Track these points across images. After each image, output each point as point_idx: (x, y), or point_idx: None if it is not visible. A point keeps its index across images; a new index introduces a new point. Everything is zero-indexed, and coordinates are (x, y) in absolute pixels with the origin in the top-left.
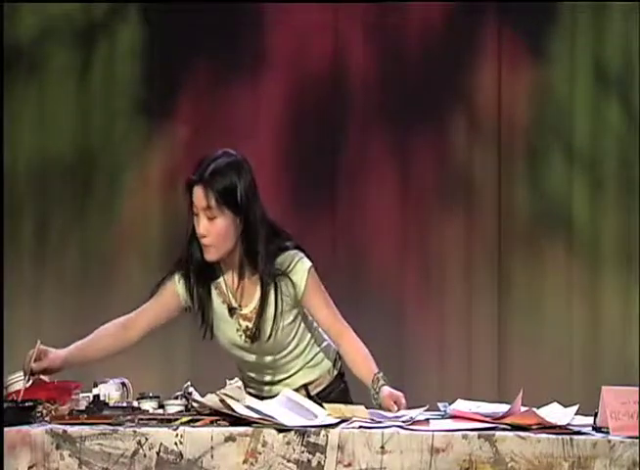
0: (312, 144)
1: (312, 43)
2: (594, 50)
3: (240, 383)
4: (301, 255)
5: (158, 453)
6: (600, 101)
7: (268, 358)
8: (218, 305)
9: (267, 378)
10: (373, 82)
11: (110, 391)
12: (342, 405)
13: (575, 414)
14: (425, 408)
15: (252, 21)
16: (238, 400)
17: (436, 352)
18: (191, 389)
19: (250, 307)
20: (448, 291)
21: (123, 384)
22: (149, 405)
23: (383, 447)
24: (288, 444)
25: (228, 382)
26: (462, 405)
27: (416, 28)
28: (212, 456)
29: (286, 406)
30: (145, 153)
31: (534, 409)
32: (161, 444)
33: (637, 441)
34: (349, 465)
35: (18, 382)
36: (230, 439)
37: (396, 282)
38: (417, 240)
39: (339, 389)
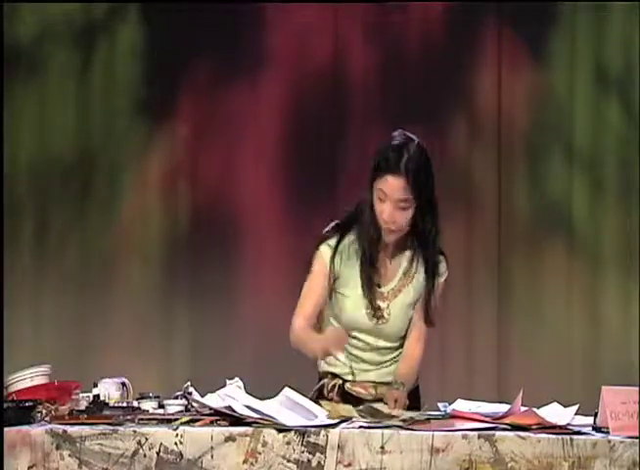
0: (312, 144)
1: (312, 43)
2: (594, 50)
3: (240, 383)
4: (445, 261)
5: (158, 453)
6: (600, 101)
7: (379, 343)
8: (361, 279)
9: (364, 365)
10: (373, 82)
11: (110, 391)
12: (333, 403)
13: (575, 414)
14: (424, 408)
15: (253, 21)
16: (238, 400)
17: (436, 353)
18: (191, 389)
19: (388, 287)
20: (448, 291)
21: (123, 384)
22: (149, 405)
23: (383, 448)
24: (288, 444)
25: (228, 382)
26: (462, 405)
27: (416, 29)
28: (212, 456)
29: (286, 406)
30: (145, 153)
31: (534, 409)
32: (161, 444)
33: (637, 441)
34: (349, 465)
35: (18, 382)
36: (230, 439)
37: None
38: None
39: (413, 393)
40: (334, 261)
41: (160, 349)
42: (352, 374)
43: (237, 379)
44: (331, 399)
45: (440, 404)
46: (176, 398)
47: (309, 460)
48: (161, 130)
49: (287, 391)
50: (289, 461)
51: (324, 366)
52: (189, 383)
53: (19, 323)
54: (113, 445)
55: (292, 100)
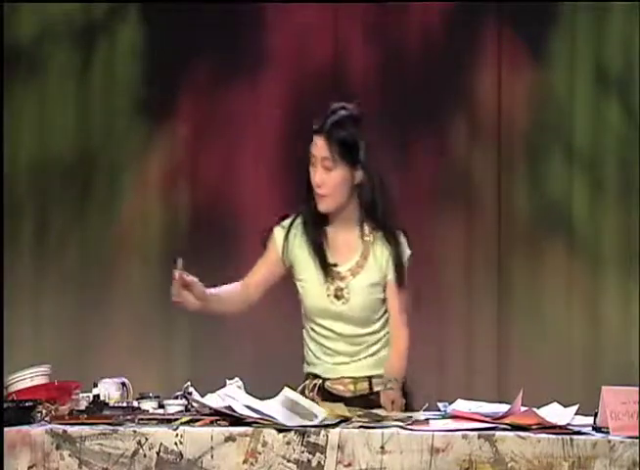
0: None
1: (312, 43)
2: (594, 50)
3: (240, 383)
4: (407, 240)
5: (158, 453)
6: (600, 101)
7: (350, 330)
8: (313, 260)
9: (335, 359)
10: (373, 82)
11: (110, 391)
12: (326, 402)
13: (575, 414)
14: (424, 408)
15: (253, 21)
16: (238, 400)
17: (436, 353)
18: (191, 389)
19: (346, 266)
20: (448, 291)
21: (123, 384)
22: (149, 405)
23: (383, 448)
24: (288, 444)
25: (228, 382)
26: (462, 405)
27: (416, 29)
28: (212, 456)
29: (285, 406)
30: (145, 153)
31: (534, 409)
32: (161, 444)
33: (637, 441)
34: (349, 465)
35: (18, 382)
36: (230, 439)
37: None
38: (417, 240)
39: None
40: (287, 244)
41: (160, 349)
42: (330, 371)
43: (237, 379)
44: (312, 400)
45: (440, 404)
46: (176, 398)
47: (309, 460)
48: (161, 130)
49: (287, 391)
50: (289, 461)
51: (306, 368)
52: (189, 383)
53: (19, 323)
54: (113, 445)
55: (292, 100)
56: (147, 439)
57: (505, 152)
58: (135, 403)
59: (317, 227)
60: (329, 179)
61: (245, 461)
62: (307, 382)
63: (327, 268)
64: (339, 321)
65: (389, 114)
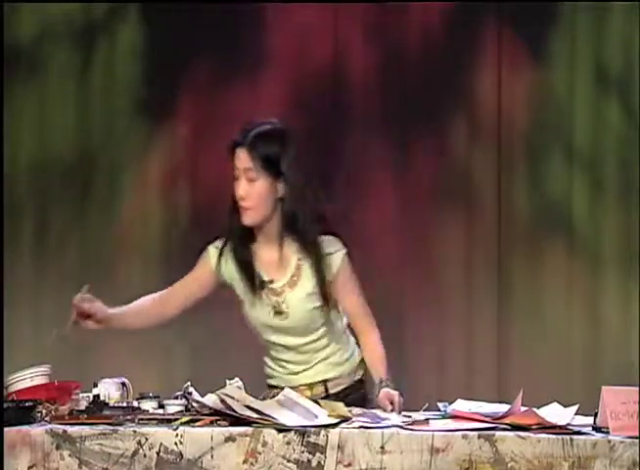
0: (312, 144)
1: (312, 43)
2: (594, 50)
3: (240, 383)
4: (338, 240)
5: (158, 453)
6: (600, 101)
7: (294, 340)
8: (249, 279)
9: (291, 367)
10: (373, 82)
11: (110, 391)
12: (326, 401)
13: (575, 414)
14: (424, 408)
15: (253, 21)
16: (238, 400)
17: (436, 353)
18: (191, 389)
19: (280, 282)
20: (448, 291)
21: (123, 384)
22: (149, 405)
23: (383, 448)
24: (288, 444)
25: (228, 382)
26: (462, 405)
27: (416, 29)
28: (212, 456)
29: (285, 406)
30: (145, 153)
31: (534, 409)
32: (161, 444)
33: (637, 441)
34: (349, 465)
35: (18, 382)
36: (230, 439)
37: (396, 282)
38: (417, 240)
39: (358, 394)
40: (220, 264)
41: (160, 349)
42: (286, 381)
43: (237, 379)
44: None
45: (440, 404)
46: (176, 398)
47: (309, 460)
48: (161, 130)
49: (287, 391)
50: (289, 461)
51: (267, 380)
52: (189, 383)
53: (19, 323)
54: (113, 445)
55: (292, 100)
56: (147, 439)
57: (505, 152)
58: (135, 403)
59: (244, 246)
60: (253, 191)
61: (245, 461)
62: (266, 392)
63: (263, 286)
64: (283, 334)
65: (390, 114)
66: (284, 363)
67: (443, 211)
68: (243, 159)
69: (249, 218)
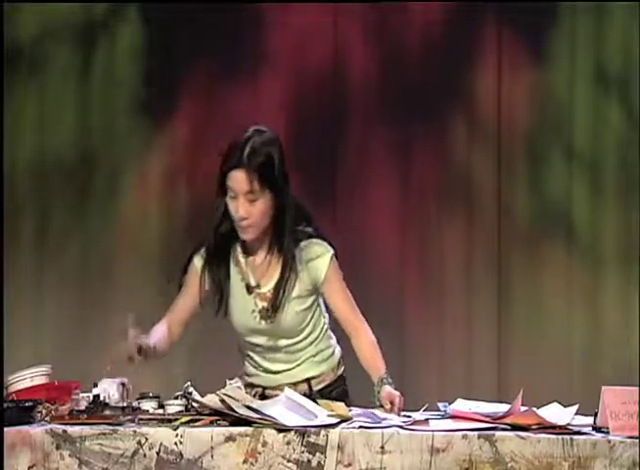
0: (312, 144)
1: (312, 43)
2: (594, 50)
3: (240, 383)
4: (325, 242)
5: (158, 453)
6: (600, 101)
7: (279, 342)
8: (236, 282)
9: (274, 367)
10: (373, 82)
11: (109, 391)
12: (329, 401)
13: (575, 414)
14: (424, 408)
15: (253, 21)
16: (238, 400)
17: (437, 353)
18: (191, 389)
19: (268, 286)
20: (448, 291)
21: (123, 384)
22: (149, 405)
23: (383, 448)
24: (288, 444)
25: (228, 382)
26: (462, 405)
27: (416, 29)
28: (212, 456)
29: (286, 406)
30: (145, 153)
31: (534, 409)
32: (161, 444)
33: (637, 441)
34: (349, 465)
35: (18, 382)
36: (230, 439)
37: (396, 282)
38: (417, 240)
39: (340, 389)
40: (204, 273)
41: None
42: (270, 380)
43: (237, 379)
44: None
45: (440, 404)
46: (176, 398)
47: (309, 460)
48: (161, 130)
49: (287, 391)
50: (289, 461)
51: (246, 379)
52: (189, 383)
53: (19, 323)
54: (113, 445)
55: (292, 100)
56: (147, 439)
57: (505, 152)
58: (135, 403)
59: (228, 253)
60: (254, 210)
61: (245, 461)
62: (247, 391)
63: (250, 291)
64: (269, 338)
65: (389, 114)
66: (266, 363)
67: (443, 211)
68: (241, 181)
69: (249, 235)
